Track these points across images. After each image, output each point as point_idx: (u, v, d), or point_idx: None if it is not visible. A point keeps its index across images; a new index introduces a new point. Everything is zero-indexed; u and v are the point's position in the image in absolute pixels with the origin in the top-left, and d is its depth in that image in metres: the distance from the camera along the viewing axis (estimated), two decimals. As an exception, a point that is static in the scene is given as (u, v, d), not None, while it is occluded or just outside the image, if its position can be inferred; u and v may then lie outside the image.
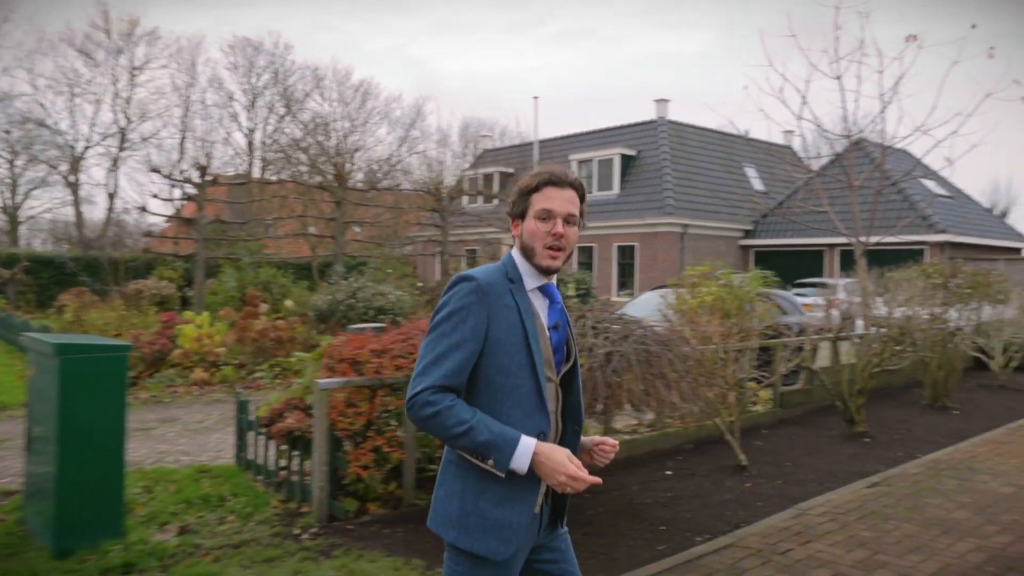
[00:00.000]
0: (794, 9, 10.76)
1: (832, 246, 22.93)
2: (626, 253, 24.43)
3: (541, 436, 2.00)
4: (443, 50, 68.30)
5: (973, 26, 12.09)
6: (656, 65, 68.00)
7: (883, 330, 8.26)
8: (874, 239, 10.61)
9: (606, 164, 25.88)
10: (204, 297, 15.09)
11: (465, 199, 27.10)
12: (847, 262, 19.87)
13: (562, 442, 2.11)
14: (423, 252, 23.50)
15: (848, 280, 12.39)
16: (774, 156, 25.99)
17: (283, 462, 5.31)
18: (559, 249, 2.05)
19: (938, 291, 8.90)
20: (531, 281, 2.09)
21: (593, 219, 24.08)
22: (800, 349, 7.65)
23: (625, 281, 24.44)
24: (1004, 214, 40.21)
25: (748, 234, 25.62)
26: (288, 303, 13.79)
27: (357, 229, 23.69)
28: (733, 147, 28.18)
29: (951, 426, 7.83)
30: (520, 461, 1.91)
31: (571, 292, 10.28)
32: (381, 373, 4.76)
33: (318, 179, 24.04)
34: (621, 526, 4.73)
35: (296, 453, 5.08)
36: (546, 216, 2.04)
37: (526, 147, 30.19)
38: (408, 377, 3.14)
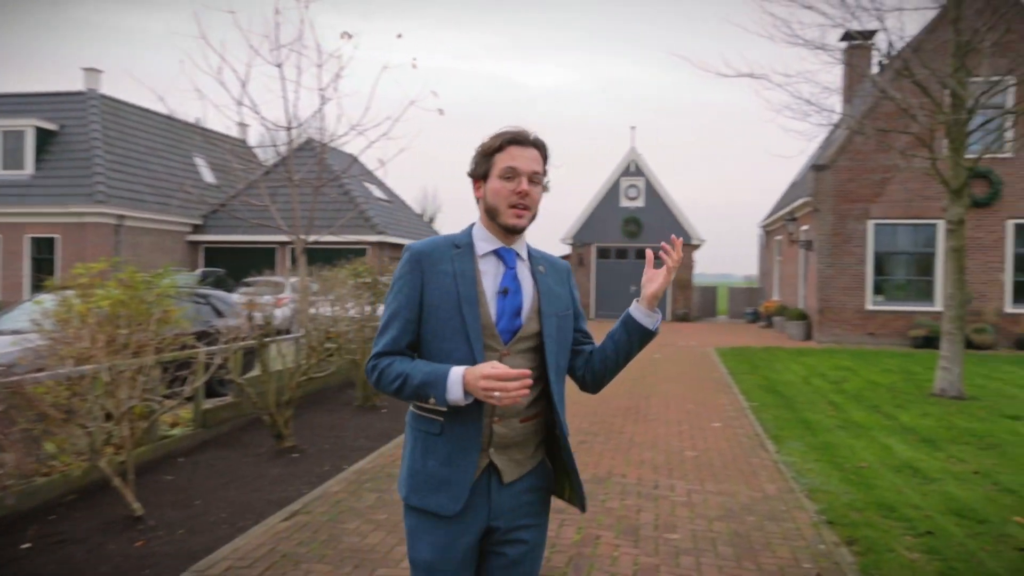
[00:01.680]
0: (233, -17, 9.73)
1: (284, 244, 22.78)
2: (43, 247, 20.30)
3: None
4: None
5: (399, 35, 12.90)
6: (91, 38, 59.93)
7: (316, 332, 7.84)
8: (314, 237, 10.30)
9: (15, 137, 21.11)
10: None
11: None
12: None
13: (535, 407, 2.10)
14: None
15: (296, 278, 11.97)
16: (225, 147, 24.74)
17: None
18: (525, 208, 2.05)
19: (366, 289, 8.92)
20: (484, 245, 2.09)
21: (-5, 203, 19.36)
22: (249, 353, 6.68)
23: (43, 281, 20.26)
24: (432, 220, 46.37)
25: (197, 229, 23.85)
26: None
27: None
28: (182, 134, 25.98)
29: (379, 426, 7.81)
30: (454, 390, 1.91)
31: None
32: None
33: None
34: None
35: None
36: (511, 175, 2.04)
37: None
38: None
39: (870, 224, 16.99)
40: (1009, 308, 16.49)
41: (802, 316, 18.12)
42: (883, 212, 16.87)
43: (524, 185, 2.03)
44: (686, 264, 26.76)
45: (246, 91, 9.82)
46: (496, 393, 1.84)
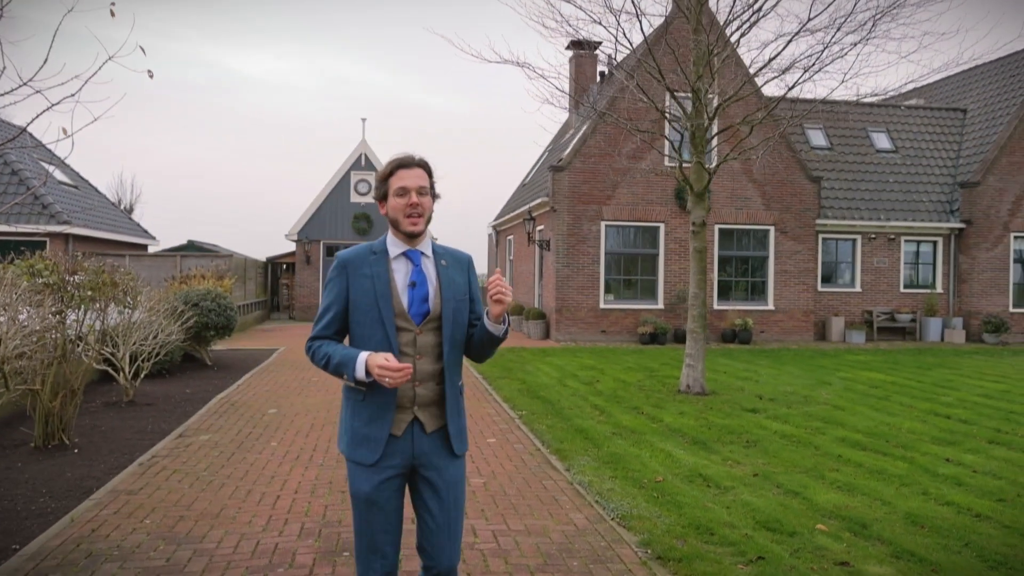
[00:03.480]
0: None
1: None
2: None
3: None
4: None
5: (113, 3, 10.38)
6: None
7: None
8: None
9: None
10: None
11: None
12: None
13: (440, 373, 2.66)
14: None
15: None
16: None
17: None
18: (419, 216, 2.61)
19: (50, 292, 6.75)
20: (395, 249, 2.66)
21: None
22: None
23: None
24: (130, 210, 40.69)
25: None
26: None
27: None
28: None
29: (71, 475, 5.82)
30: (360, 370, 2.49)
31: None
32: None
33: None
34: None
35: None
36: (402, 193, 2.60)
37: None
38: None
39: (603, 225, 17.68)
40: (716, 305, 18.16)
41: (541, 315, 18.36)
42: (613, 214, 17.65)
43: (414, 198, 2.58)
44: (420, 263, 26.17)
45: None
46: (386, 379, 2.44)
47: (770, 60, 9.40)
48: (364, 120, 26.41)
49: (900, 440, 7.65)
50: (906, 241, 19.66)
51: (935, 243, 19.83)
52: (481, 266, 34.13)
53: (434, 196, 2.68)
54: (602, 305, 17.70)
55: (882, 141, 20.92)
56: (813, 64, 9.10)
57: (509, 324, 2.70)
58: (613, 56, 16.23)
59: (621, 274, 17.99)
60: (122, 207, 35.89)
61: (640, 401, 9.70)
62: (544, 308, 18.79)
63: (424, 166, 2.65)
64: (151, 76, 8.62)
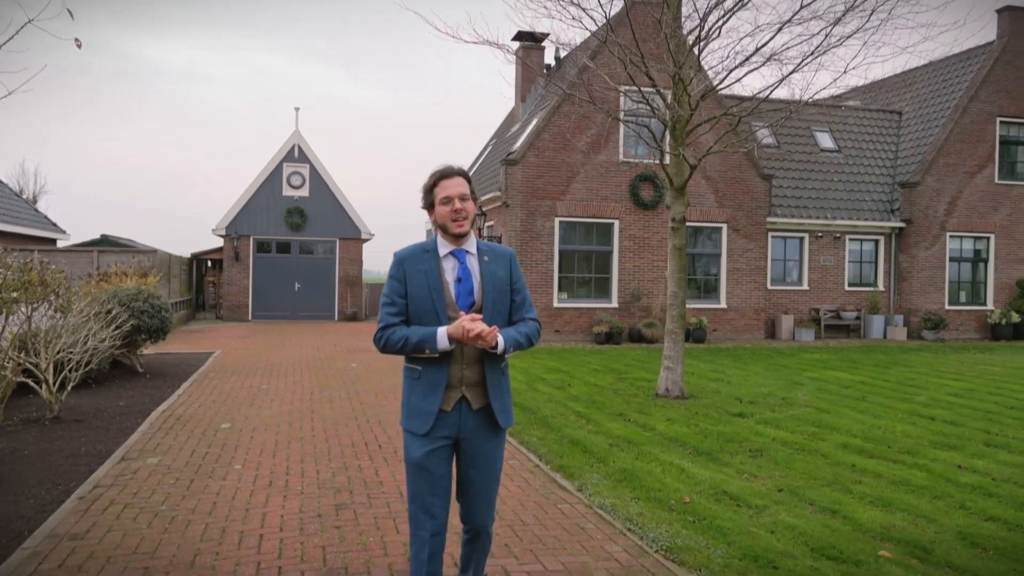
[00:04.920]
0: None
1: None
2: None
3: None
4: None
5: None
6: None
7: None
8: None
9: None
10: None
11: None
12: None
13: (477, 355, 3.02)
14: None
15: None
16: None
17: None
18: (463, 219, 3.00)
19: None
20: (443, 249, 3.06)
21: None
22: None
23: None
24: (34, 201, 37.77)
25: None
26: None
27: None
28: None
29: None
30: (442, 341, 2.90)
31: None
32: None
33: None
34: None
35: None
36: (446, 201, 3.00)
37: None
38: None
39: (556, 221, 17.12)
40: (669, 303, 17.87)
41: (492, 314, 17.66)
42: (567, 210, 17.11)
43: (457, 204, 2.99)
44: (355, 260, 25.07)
45: None
46: (471, 336, 2.83)
47: (758, 49, 8.99)
48: (297, 109, 24.99)
49: (901, 445, 7.35)
50: (851, 240, 19.90)
51: (877, 242, 20.15)
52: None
53: (475, 199, 3.07)
54: (556, 304, 17.15)
55: (826, 141, 21.14)
56: (811, 54, 8.73)
57: (511, 346, 3.01)
58: (557, 51, 15.71)
59: (575, 272, 17.48)
60: (24, 198, 33.21)
61: (621, 407, 9.16)
62: (494, 307, 18.10)
63: (463, 174, 3.05)
64: (79, 46, 7.47)
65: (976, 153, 20.30)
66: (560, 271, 17.24)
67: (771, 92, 9.12)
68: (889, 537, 4.74)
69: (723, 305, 18.22)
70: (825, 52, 8.68)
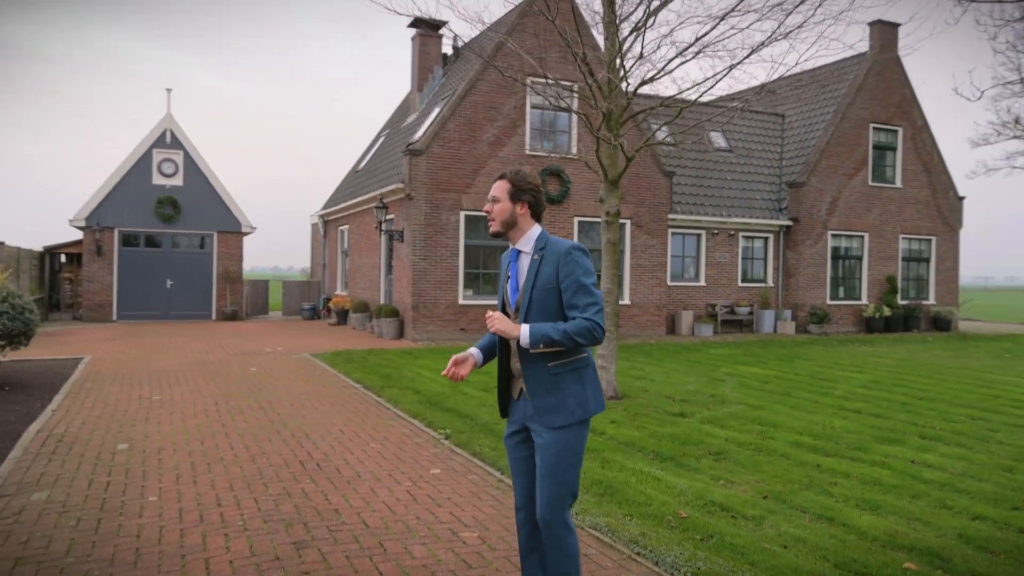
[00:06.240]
0: None
1: None
2: None
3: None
4: None
5: None
6: None
7: None
8: None
9: None
10: None
11: None
12: None
13: (519, 349, 3.08)
14: None
15: None
16: None
17: None
18: (491, 220, 3.19)
19: None
20: (509, 249, 3.27)
21: None
22: None
23: None
24: None
25: None
26: None
27: None
28: None
29: None
30: (523, 339, 3.00)
31: None
32: None
33: None
34: None
35: None
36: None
37: None
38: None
39: (462, 215, 16.46)
40: (574, 300, 17.63)
41: (394, 313, 16.76)
42: (473, 203, 16.49)
43: (488, 207, 3.21)
44: (235, 256, 23.33)
45: None
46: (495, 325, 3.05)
47: (696, 40, 8.76)
48: (169, 91, 22.71)
49: (848, 441, 7.31)
50: (744, 237, 20.48)
51: (767, 239, 20.86)
52: (303, 260, 31.38)
53: (516, 201, 3.13)
54: (461, 301, 16.50)
55: (719, 140, 21.67)
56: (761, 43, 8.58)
57: (540, 340, 2.95)
58: (456, 37, 15.20)
59: (480, 268, 16.89)
60: None
61: (560, 409, 8.67)
62: (397, 305, 17.20)
63: (504, 177, 3.19)
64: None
65: (853, 156, 21.46)
66: (466, 267, 16.61)
67: (715, 85, 8.91)
68: (899, 545, 4.50)
69: (627, 301, 18.22)
70: (767, 46, 8.56)
